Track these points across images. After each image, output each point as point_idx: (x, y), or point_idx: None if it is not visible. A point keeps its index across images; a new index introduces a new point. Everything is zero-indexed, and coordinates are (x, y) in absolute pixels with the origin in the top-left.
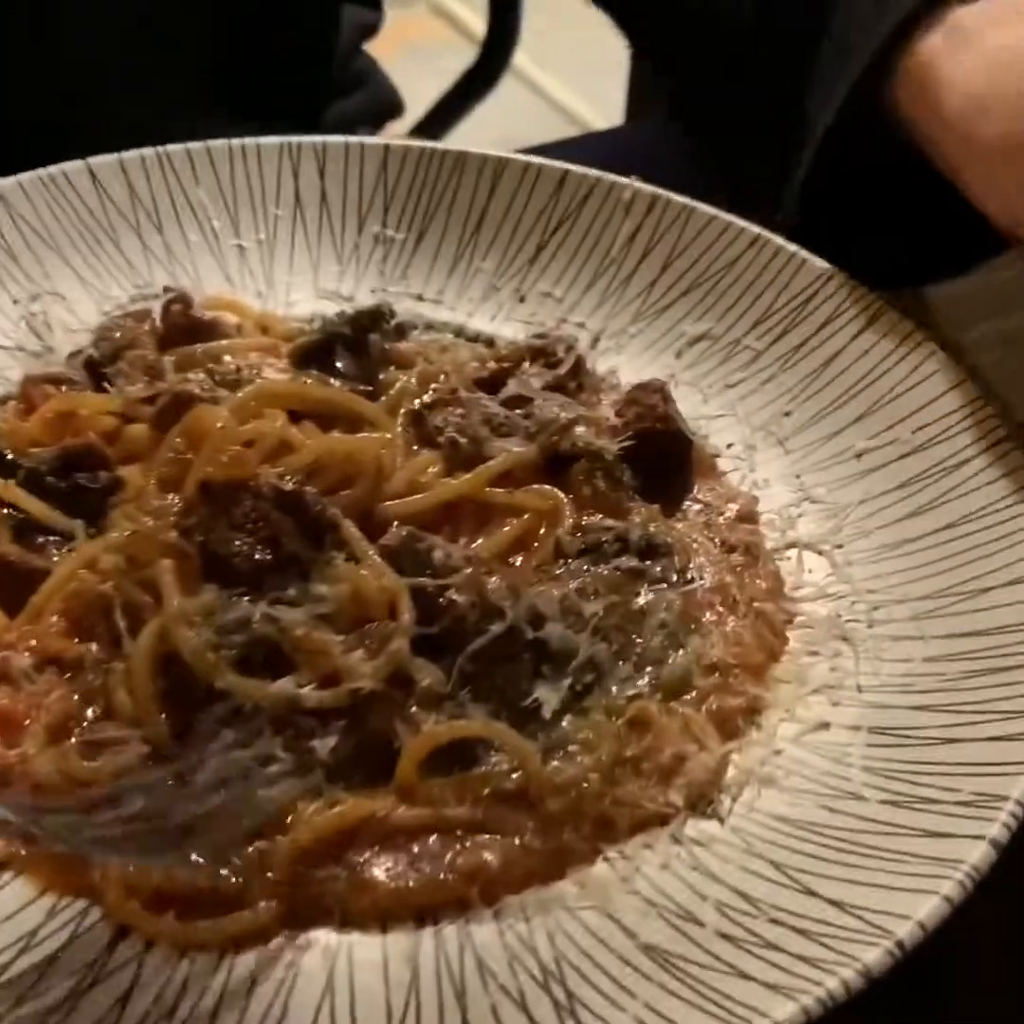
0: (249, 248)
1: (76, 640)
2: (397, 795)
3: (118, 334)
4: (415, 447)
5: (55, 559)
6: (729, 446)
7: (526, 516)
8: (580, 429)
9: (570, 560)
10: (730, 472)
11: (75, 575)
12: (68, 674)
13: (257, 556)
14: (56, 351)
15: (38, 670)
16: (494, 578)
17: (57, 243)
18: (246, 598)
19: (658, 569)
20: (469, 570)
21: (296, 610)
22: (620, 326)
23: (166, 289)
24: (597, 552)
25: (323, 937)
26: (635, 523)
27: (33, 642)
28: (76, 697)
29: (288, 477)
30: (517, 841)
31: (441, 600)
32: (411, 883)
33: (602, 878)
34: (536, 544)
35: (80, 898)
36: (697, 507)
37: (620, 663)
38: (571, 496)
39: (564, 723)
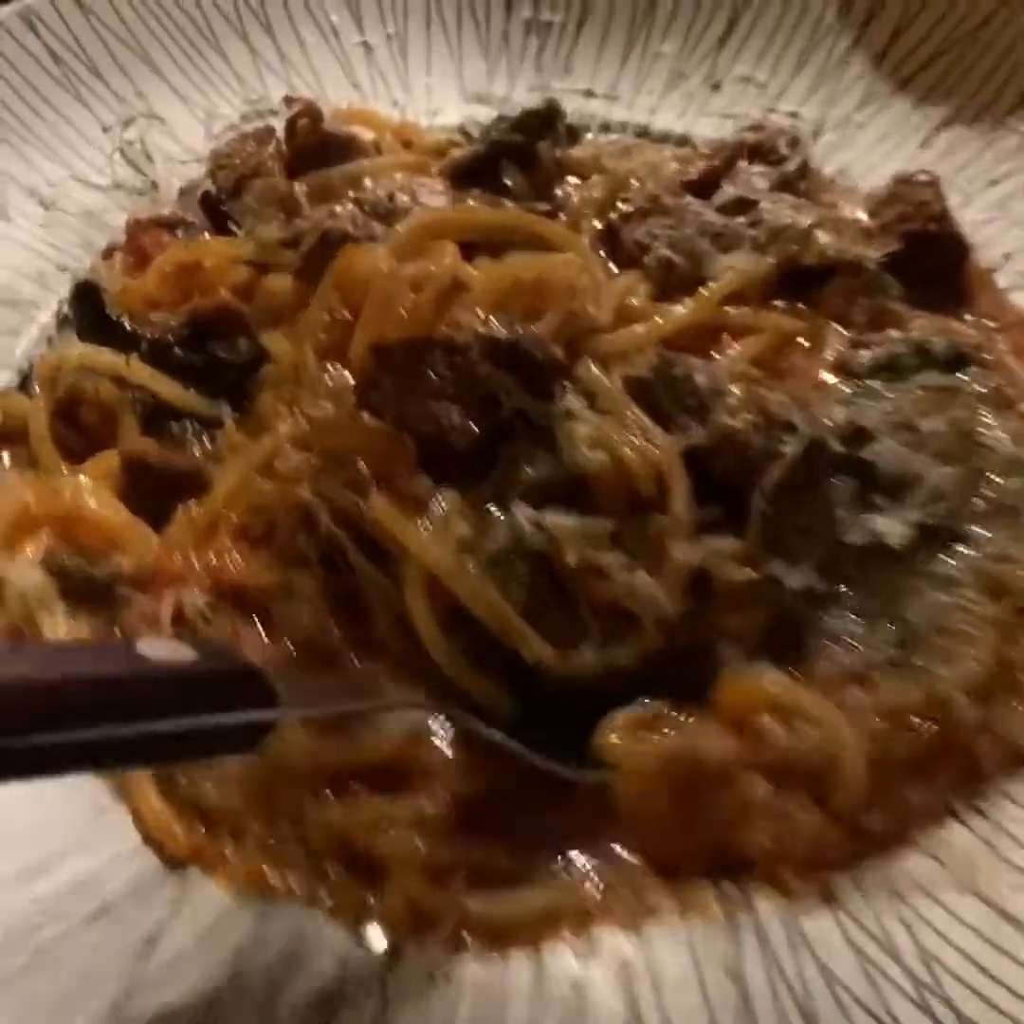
0: (377, 46)
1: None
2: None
3: (238, 161)
4: (611, 271)
5: (198, 454)
6: (1006, 256)
7: (765, 334)
8: (824, 236)
9: (862, 380)
10: (1011, 290)
11: (249, 480)
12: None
13: (476, 425)
14: (162, 187)
15: (215, 608)
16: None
17: (149, 55)
18: (492, 501)
19: (976, 385)
20: (741, 389)
21: (565, 517)
22: (844, 113)
23: (286, 101)
24: (893, 368)
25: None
26: (933, 333)
27: (207, 571)
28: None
29: (494, 319)
30: None
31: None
32: None
33: (961, 845)
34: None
35: None
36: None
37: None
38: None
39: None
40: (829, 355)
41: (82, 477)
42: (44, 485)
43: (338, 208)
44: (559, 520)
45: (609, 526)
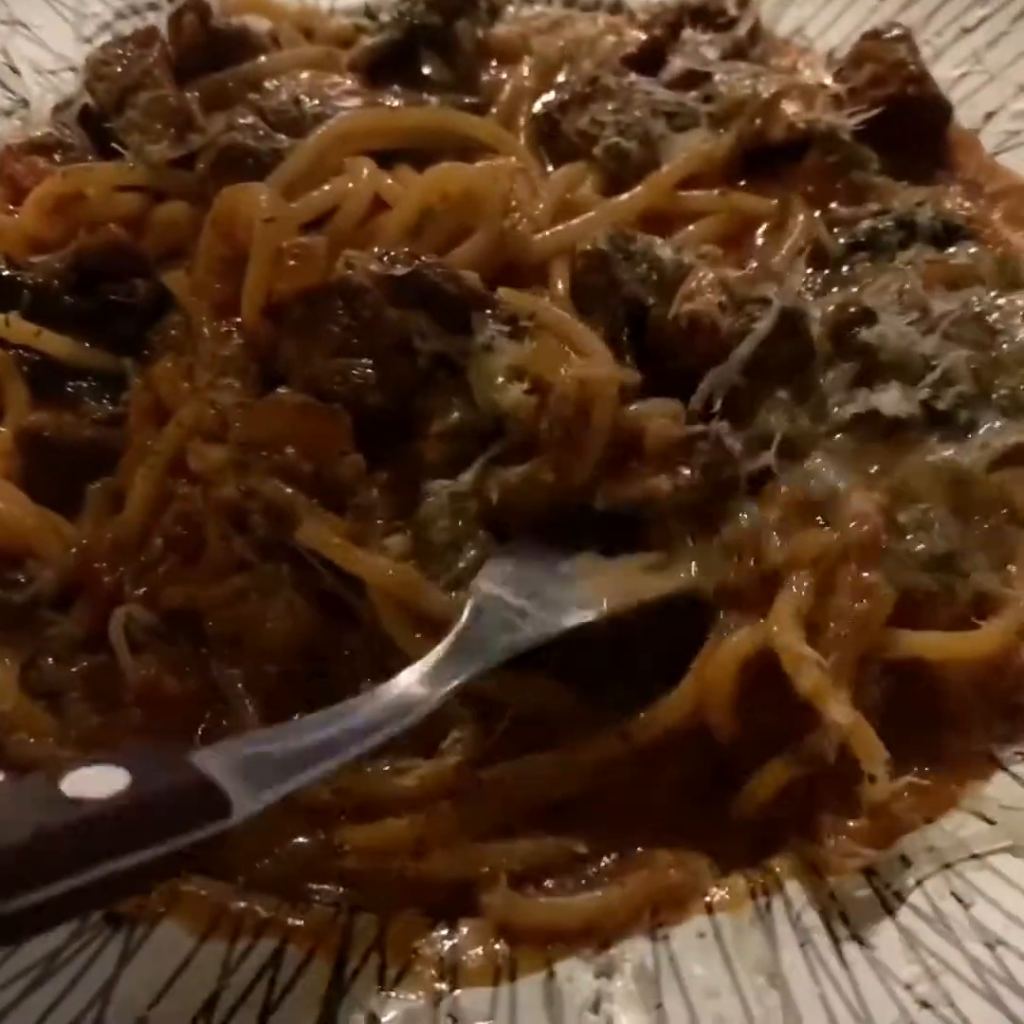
0: None
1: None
2: None
3: (118, 70)
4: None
5: (100, 417)
6: (988, 116)
7: (724, 214)
8: (791, 106)
9: (840, 266)
10: (998, 152)
11: (162, 487)
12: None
13: (392, 379)
14: (33, 104)
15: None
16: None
17: None
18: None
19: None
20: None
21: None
22: None
23: None
24: (876, 245)
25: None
26: (916, 204)
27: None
28: None
29: (387, 254)
30: None
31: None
32: None
33: (1010, 799)
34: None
35: None
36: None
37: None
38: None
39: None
40: (801, 238)
41: None
42: None
43: (238, 119)
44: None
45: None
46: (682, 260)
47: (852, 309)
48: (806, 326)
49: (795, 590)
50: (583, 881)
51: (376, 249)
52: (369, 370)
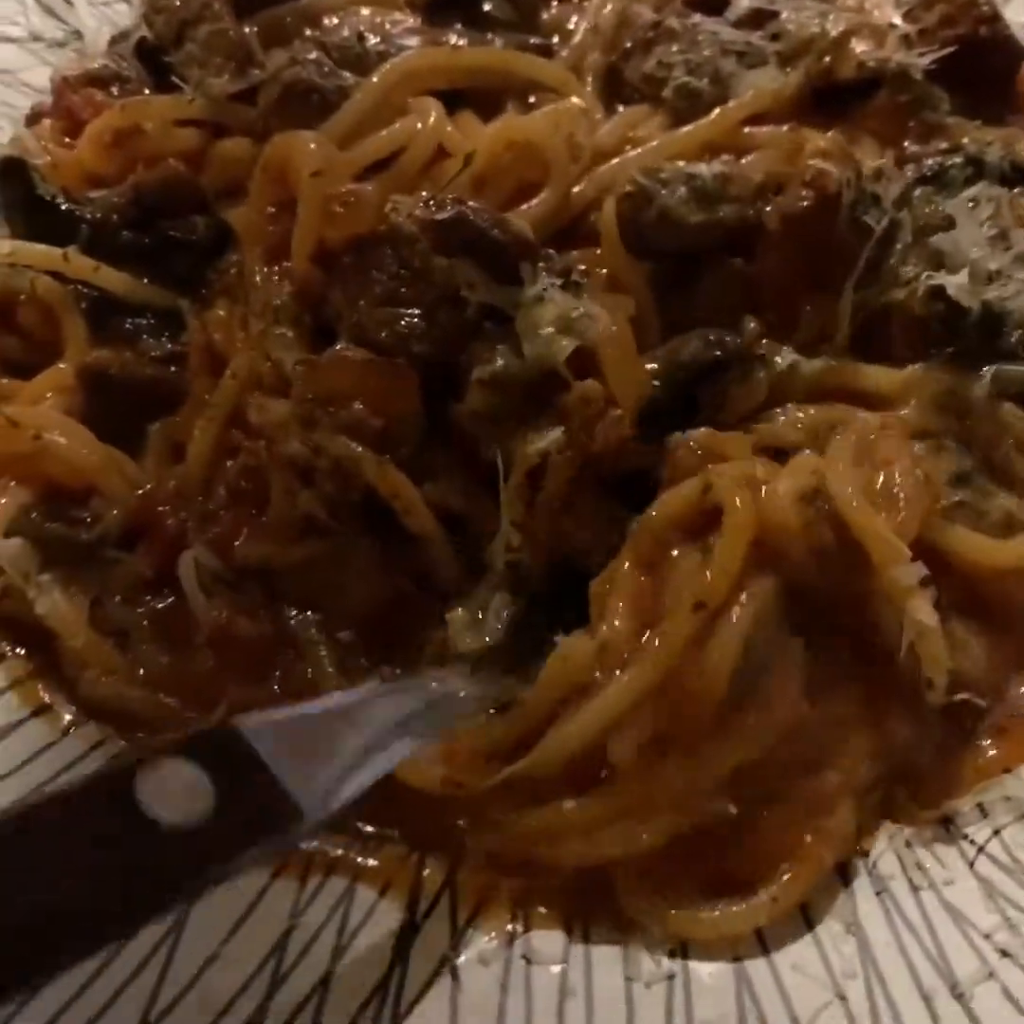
0: None
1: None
2: None
3: (177, 2)
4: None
5: (158, 355)
6: None
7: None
8: (860, 44)
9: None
10: None
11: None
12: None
13: (439, 329)
14: (87, 35)
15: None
16: None
17: None
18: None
19: None
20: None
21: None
22: None
23: None
24: (942, 180)
25: None
26: (986, 143)
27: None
28: None
29: (437, 203)
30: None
31: None
32: None
33: None
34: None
35: None
36: None
37: None
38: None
39: None
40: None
41: (42, 405)
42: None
43: (300, 54)
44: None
45: None
46: (721, 170)
47: (928, 208)
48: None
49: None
50: None
51: (423, 192)
52: (416, 320)
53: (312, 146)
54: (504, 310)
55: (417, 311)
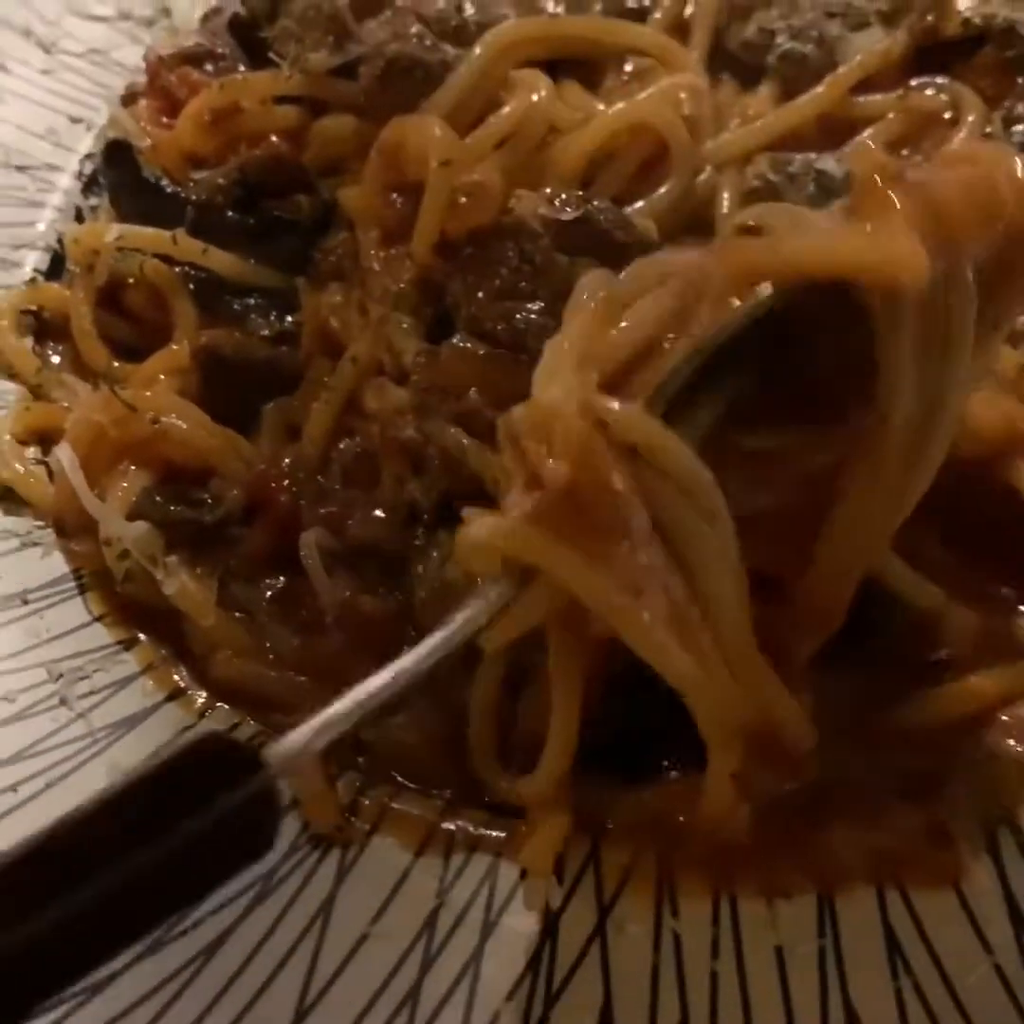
0: None
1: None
2: None
3: None
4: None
5: (268, 334)
6: None
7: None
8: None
9: None
10: None
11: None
12: None
13: (556, 323)
14: (176, 11)
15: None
16: None
17: None
18: None
19: None
20: None
21: None
22: None
23: None
24: None
25: None
26: None
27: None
28: None
29: (559, 196)
30: None
31: None
32: None
33: None
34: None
35: None
36: None
37: None
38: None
39: None
40: (976, 132)
41: (158, 389)
42: (119, 405)
43: (401, 30)
44: None
45: None
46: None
47: None
48: None
49: None
50: None
51: (548, 190)
52: (534, 315)
53: (437, 132)
54: None
55: (537, 306)
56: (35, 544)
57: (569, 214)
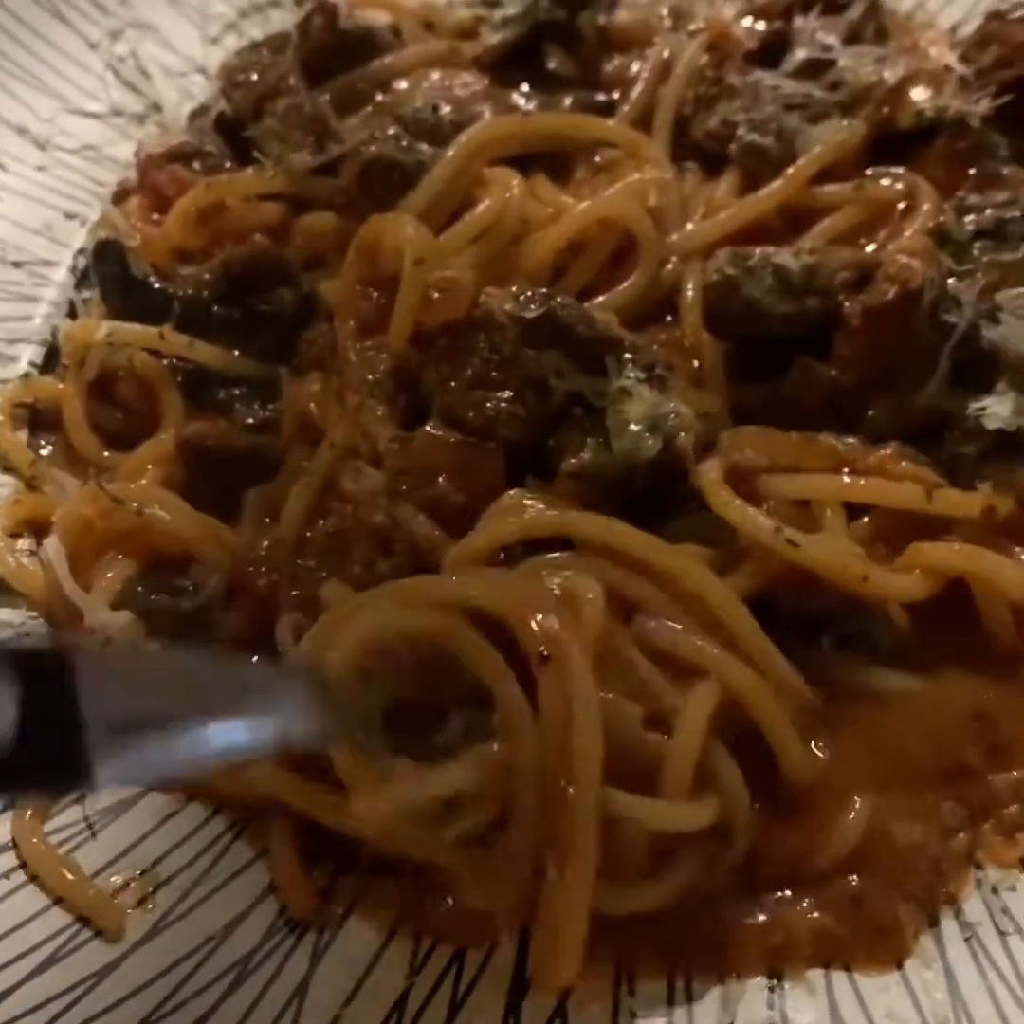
0: None
1: None
2: None
3: (254, 77)
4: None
5: (252, 422)
6: None
7: (858, 205)
8: (919, 92)
9: (964, 253)
10: None
11: (316, 498)
12: None
13: (527, 413)
14: (166, 108)
15: None
16: None
17: None
18: None
19: None
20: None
21: None
22: None
23: None
24: (1000, 234)
25: None
26: None
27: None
28: None
29: (524, 293)
30: None
31: None
32: None
33: None
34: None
35: None
36: None
37: None
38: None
39: None
40: (928, 222)
41: (143, 478)
42: (103, 498)
43: (378, 132)
44: None
45: None
46: (807, 261)
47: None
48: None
49: None
50: None
51: (514, 288)
52: (504, 404)
53: (411, 231)
54: (590, 399)
55: (506, 395)
56: (28, 634)
57: (533, 311)
